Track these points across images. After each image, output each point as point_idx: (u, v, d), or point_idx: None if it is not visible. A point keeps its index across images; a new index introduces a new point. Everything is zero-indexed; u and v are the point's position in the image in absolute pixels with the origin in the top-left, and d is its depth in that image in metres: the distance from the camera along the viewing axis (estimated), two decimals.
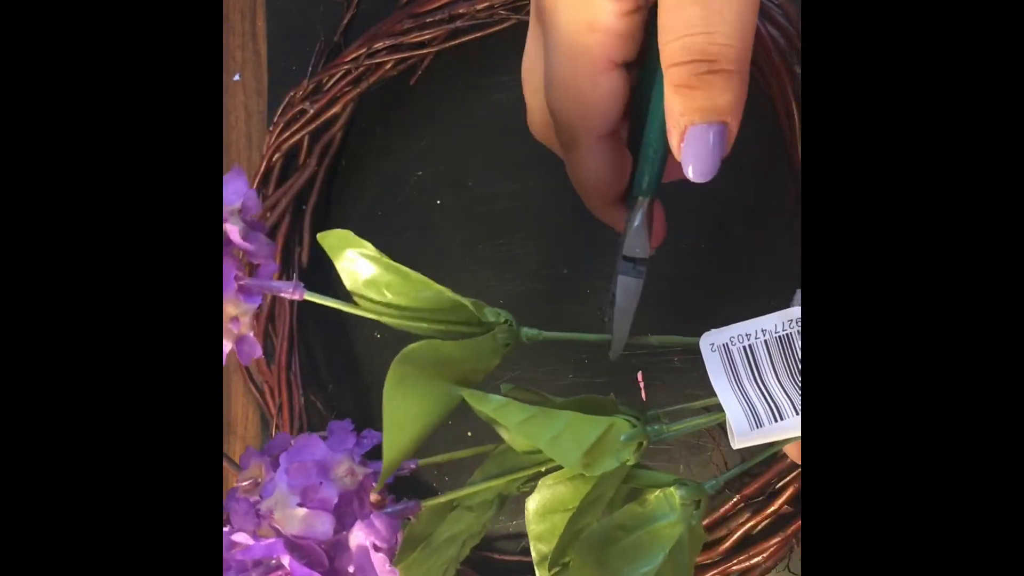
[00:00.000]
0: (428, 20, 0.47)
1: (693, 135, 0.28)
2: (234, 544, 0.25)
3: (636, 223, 0.30)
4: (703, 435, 0.43)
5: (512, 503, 0.31)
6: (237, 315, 0.27)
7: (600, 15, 0.28)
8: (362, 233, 0.31)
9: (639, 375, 0.44)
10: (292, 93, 0.49)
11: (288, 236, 0.49)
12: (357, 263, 0.29)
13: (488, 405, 0.26)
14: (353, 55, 0.48)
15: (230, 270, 0.26)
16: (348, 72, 0.48)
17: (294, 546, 0.25)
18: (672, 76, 0.27)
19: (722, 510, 0.41)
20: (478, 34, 0.47)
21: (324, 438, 0.27)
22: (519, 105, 0.48)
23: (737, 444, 0.27)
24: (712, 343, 0.28)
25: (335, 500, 0.25)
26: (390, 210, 0.49)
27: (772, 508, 0.40)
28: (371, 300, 0.29)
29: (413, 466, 0.29)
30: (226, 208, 0.27)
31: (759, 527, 0.41)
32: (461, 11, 0.47)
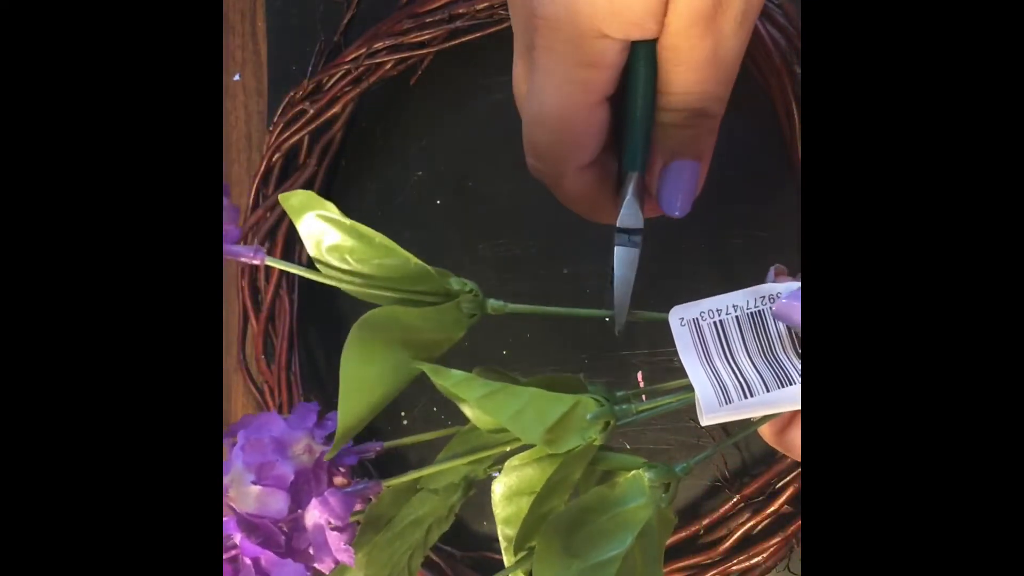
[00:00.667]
0: (428, 20, 0.47)
1: (675, 171, 0.31)
2: None
3: (628, 196, 0.31)
4: (703, 435, 0.43)
5: None
6: None
7: (604, 54, 0.28)
8: None
9: (639, 375, 0.44)
10: (292, 93, 0.49)
11: (288, 236, 0.49)
12: (319, 227, 0.28)
13: (448, 379, 0.26)
14: (353, 55, 0.48)
15: None
16: (348, 72, 0.48)
17: (249, 525, 0.24)
18: (665, 117, 0.30)
19: (722, 510, 0.41)
20: (478, 34, 0.47)
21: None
22: None
23: (705, 421, 0.26)
24: (681, 317, 0.27)
25: (291, 478, 0.25)
26: (390, 210, 0.49)
27: (772, 508, 0.40)
28: (333, 268, 0.28)
29: (378, 448, 0.28)
30: None
31: (759, 527, 0.41)
32: (461, 11, 0.47)
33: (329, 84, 0.49)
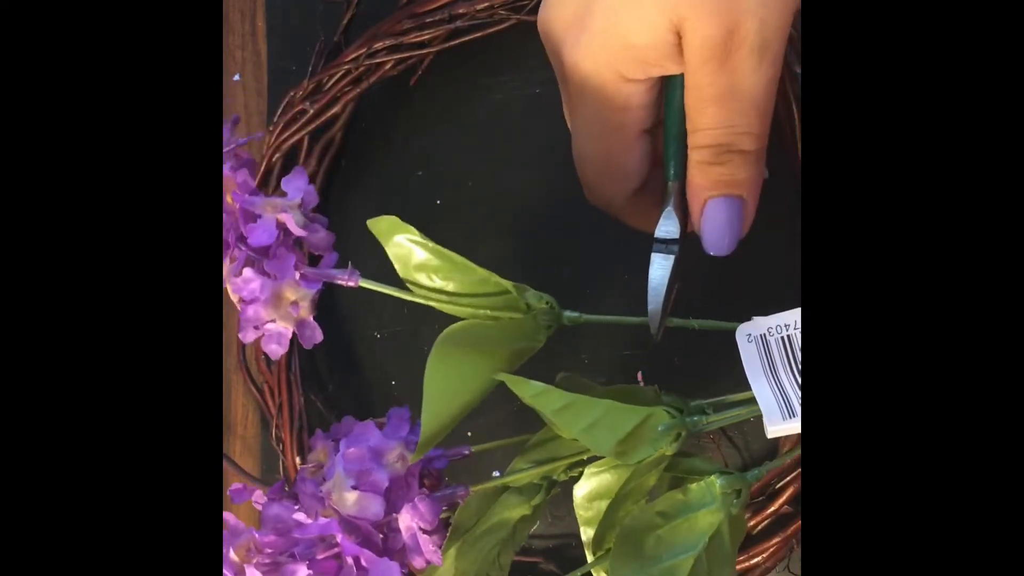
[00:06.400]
0: (428, 20, 0.47)
1: (713, 208, 0.30)
2: (297, 523, 0.27)
3: (667, 207, 0.31)
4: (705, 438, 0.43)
5: None
6: (296, 300, 0.29)
7: (632, 96, 0.29)
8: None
9: (639, 375, 0.44)
10: (292, 93, 0.49)
11: None
12: (407, 248, 0.30)
13: (527, 391, 0.27)
14: (353, 55, 0.48)
15: (289, 259, 0.28)
16: (348, 72, 0.48)
17: (349, 526, 0.26)
18: (696, 155, 0.29)
19: None
20: (478, 34, 0.47)
21: (381, 425, 0.29)
22: (519, 105, 0.48)
23: (771, 433, 0.28)
24: (749, 334, 0.29)
25: (385, 484, 0.27)
26: (390, 210, 0.49)
27: (772, 508, 0.40)
28: (421, 285, 0.30)
29: (466, 452, 0.30)
30: (287, 202, 0.29)
31: (759, 527, 0.41)
32: (461, 11, 0.47)
33: (329, 84, 0.48)
